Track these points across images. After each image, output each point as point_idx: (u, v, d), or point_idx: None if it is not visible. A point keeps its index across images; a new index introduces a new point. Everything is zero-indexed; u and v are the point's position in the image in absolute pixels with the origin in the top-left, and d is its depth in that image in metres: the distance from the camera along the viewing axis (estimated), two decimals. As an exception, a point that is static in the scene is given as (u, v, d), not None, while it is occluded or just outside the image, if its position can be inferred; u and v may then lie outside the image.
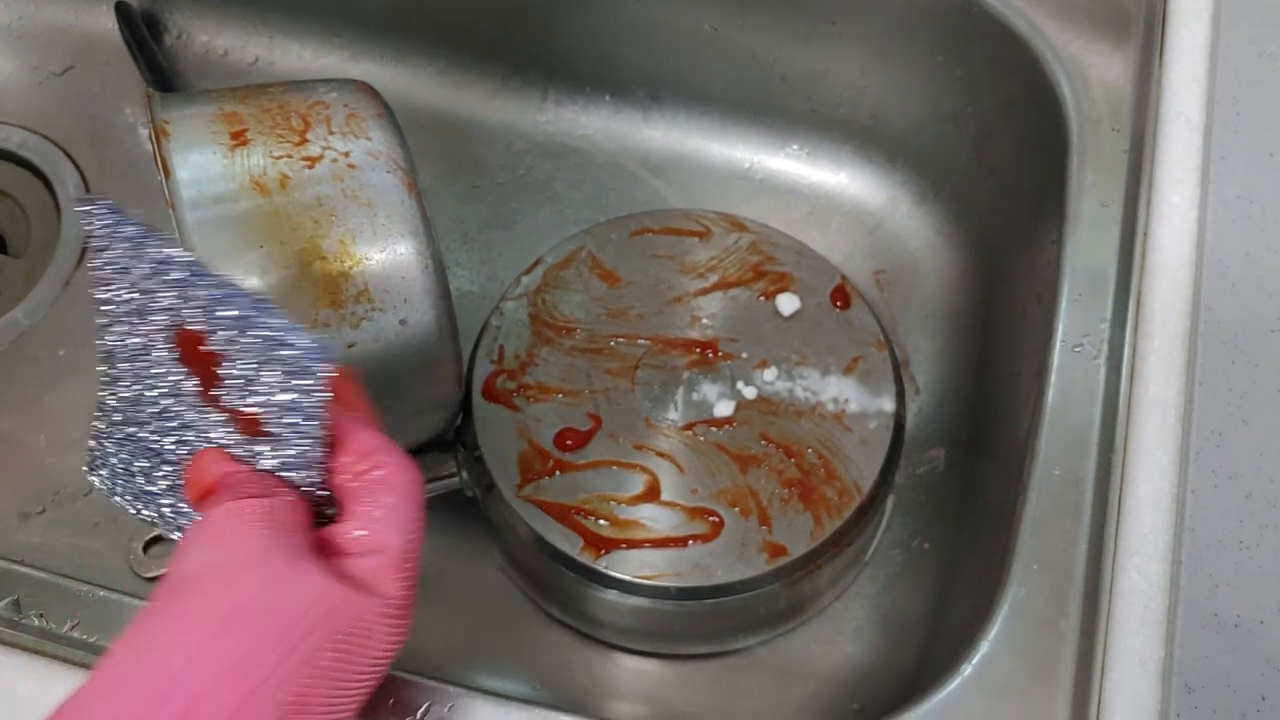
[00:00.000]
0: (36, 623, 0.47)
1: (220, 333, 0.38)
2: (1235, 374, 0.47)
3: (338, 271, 0.51)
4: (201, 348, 0.38)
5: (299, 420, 0.37)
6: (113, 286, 0.41)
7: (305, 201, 0.52)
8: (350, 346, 0.51)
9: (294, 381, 0.37)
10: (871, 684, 0.60)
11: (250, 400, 0.38)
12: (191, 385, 0.39)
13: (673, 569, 0.56)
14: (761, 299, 0.63)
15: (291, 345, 0.36)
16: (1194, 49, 0.55)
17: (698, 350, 0.61)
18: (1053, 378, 0.51)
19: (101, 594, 0.48)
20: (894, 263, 0.72)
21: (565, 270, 0.64)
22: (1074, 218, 0.55)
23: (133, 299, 0.40)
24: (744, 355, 0.61)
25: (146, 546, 0.63)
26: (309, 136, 0.53)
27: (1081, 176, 0.56)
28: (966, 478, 0.64)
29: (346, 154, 0.53)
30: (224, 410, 0.38)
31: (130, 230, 0.41)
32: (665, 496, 0.57)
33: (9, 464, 0.67)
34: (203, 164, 0.52)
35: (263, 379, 0.37)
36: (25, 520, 0.65)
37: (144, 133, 0.77)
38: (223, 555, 0.34)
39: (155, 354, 0.40)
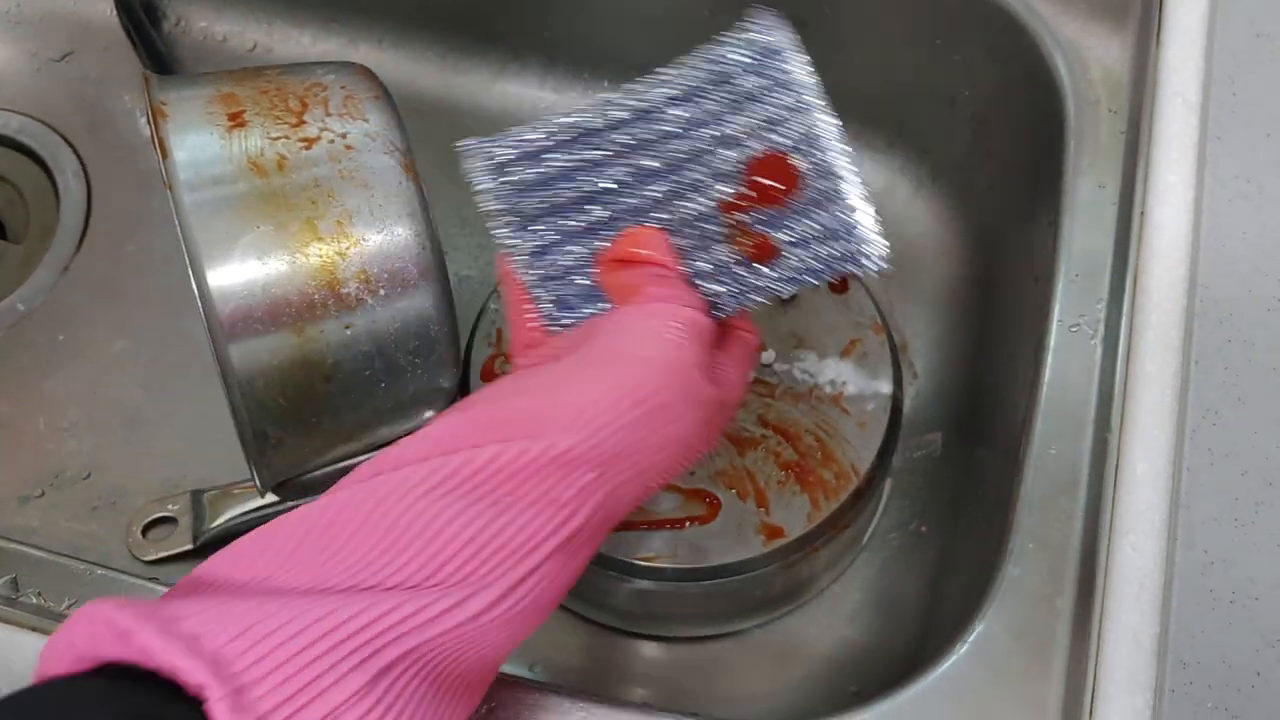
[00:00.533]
0: (34, 600, 0.47)
1: (809, 166, 0.41)
2: (1231, 352, 0.47)
3: (335, 252, 0.51)
4: (788, 169, 0.41)
5: (807, 274, 0.41)
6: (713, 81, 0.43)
7: (302, 183, 0.52)
8: (347, 328, 0.52)
9: (838, 245, 0.41)
10: (869, 666, 0.60)
11: (782, 234, 0.41)
12: (726, 192, 0.42)
13: (670, 550, 0.56)
14: (759, 282, 0.63)
15: (857, 222, 0.41)
16: (1191, 30, 0.55)
17: (695, 333, 0.61)
18: (1049, 358, 0.51)
19: (99, 572, 0.48)
20: (892, 247, 0.71)
21: (563, 254, 0.64)
22: (1071, 199, 0.55)
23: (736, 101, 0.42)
24: (741, 338, 0.61)
25: (145, 530, 0.63)
26: (306, 118, 0.53)
27: (1079, 158, 0.56)
28: (964, 461, 0.64)
29: (344, 135, 0.53)
30: (738, 226, 0.42)
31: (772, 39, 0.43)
32: (662, 478, 0.57)
33: (8, 448, 0.67)
34: (200, 145, 0.52)
35: (812, 222, 0.41)
36: (24, 504, 0.65)
37: (143, 119, 0.77)
38: (660, 353, 0.40)
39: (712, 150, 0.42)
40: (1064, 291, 0.53)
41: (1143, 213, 0.52)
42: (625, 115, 0.44)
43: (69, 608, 0.46)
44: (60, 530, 0.65)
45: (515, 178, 0.43)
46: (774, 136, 0.42)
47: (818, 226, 0.41)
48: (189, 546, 0.62)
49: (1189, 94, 0.54)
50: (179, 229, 0.50)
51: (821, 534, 0.57)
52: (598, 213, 0.43)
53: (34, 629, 0.45)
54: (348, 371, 0.52)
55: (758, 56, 0.43)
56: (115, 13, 0.74)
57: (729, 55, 0.43)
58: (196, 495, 0.64)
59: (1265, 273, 0.49)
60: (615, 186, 0.42)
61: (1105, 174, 0.55)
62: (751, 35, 0.43)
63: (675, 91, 0.43)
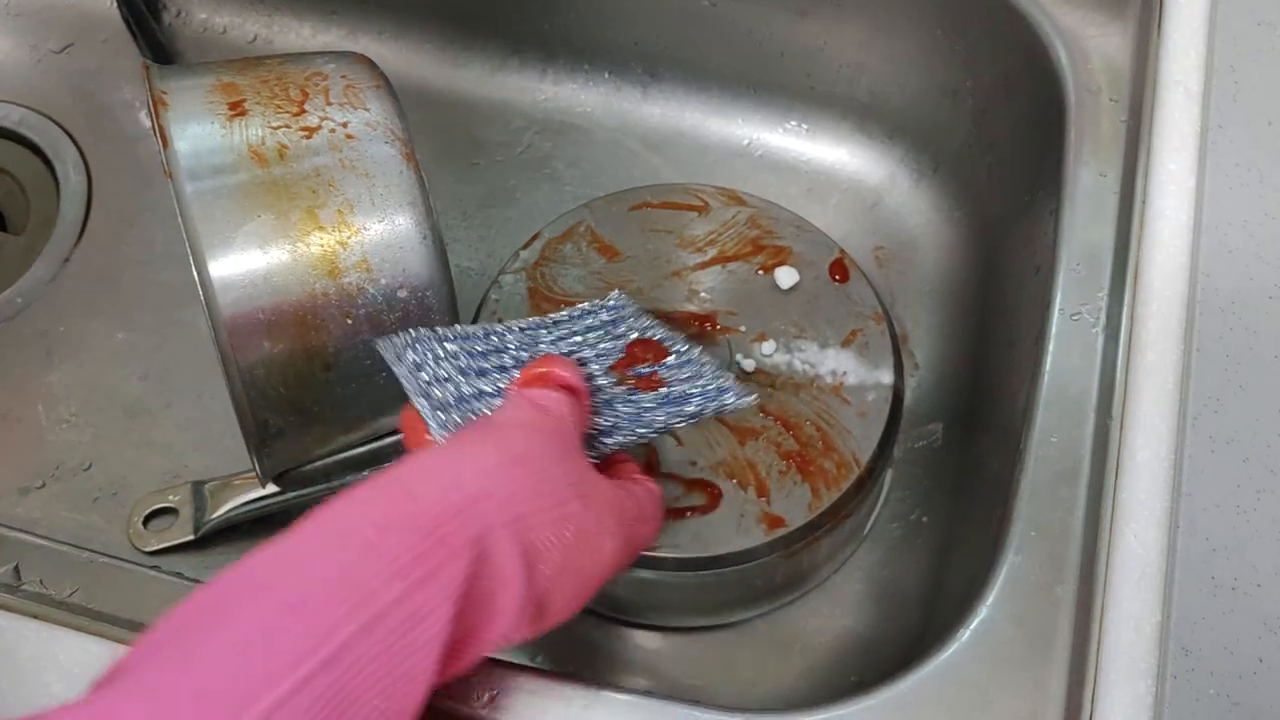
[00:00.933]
0: (36, 589, 0.47)
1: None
2: (1233, 340, 0.47)
3: (336, 242, 0.51)
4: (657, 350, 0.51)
5: (678, 414, 0.49)
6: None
7: (303, 172, 0.52)
8: (348, 317, 0.52)
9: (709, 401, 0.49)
10: (870, 656, 0.60)
11: (665, 373, 0.50)
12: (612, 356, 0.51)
13: (671, 540, 0.56)
14: (760, 272, 0.63)
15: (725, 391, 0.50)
16: (1192, 18, 0.55)
17: (696, 323, 0.61)
18: (1051, 346, 0.51)
19: (101, 560, 0.48)
20: (893, 239, 0.72)
21: (564, 244, 0.64)
22: (1072, 188, 0.55)
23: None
24: (742, 328, 0.61)
25: (146, 521, 0.63)
26: (307, 107, 0.53)
27: (1079, 147, 0.56)
28: (965, 452, 0.64)
29: (345, 124, 0.53)
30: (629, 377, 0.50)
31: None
32: (664, 469, 0.57)
33: (8, 440, 0.67)
34: (201, 134, 0.52)
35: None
36: (25, 495, 0.65)
37: (143, 110, 0.77)
38: (538, 419, 0.42)
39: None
40: (1065, 281, 0.53)
41: (1144, 201, 0.52)
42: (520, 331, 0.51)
43: (71, 595, 0.46)
44: (61, 521, 0.65)
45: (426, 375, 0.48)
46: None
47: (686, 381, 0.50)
48: (190, 537, 0.62)
49: (1190, 83, 0.54)
50: (180, 218, 0.49)
51: (823, 524, 0.57)
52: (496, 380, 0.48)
53: (35, 616, 0.45)
54: (348, 361, 0.52)
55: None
56: (115, 4, 0.74)
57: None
58: (197, 486, 0.64)
59: (1267, 261, 0.49)
60: (514, 364, 0.48)
61: (1106, 163, 0.55)
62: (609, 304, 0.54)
63: (560, 328, 0.52)
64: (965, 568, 0.56)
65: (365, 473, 0.61)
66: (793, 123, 0.74)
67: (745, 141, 0.75)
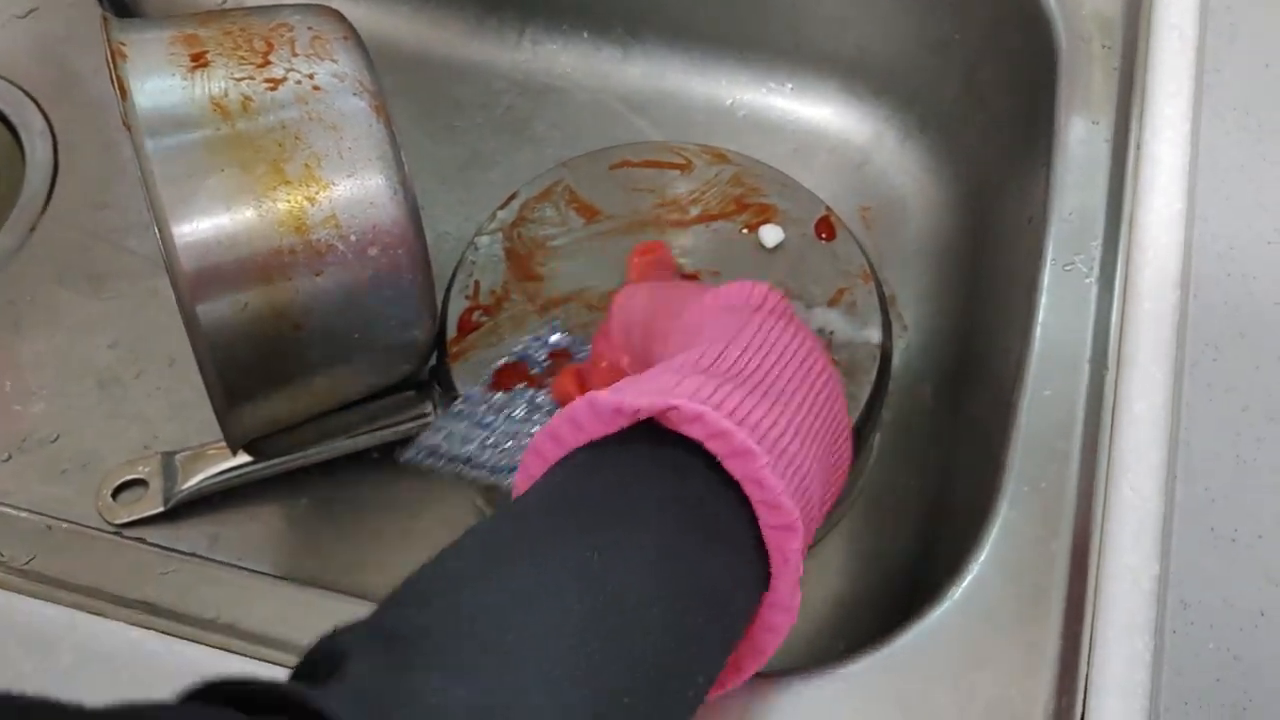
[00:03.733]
0: (-7, 557, 0.45)
1: None
2: (1230, 287, 0.46)
3: (303, 197, 0.49)
4: None
5: None
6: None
7: (268, 125, 0.50)
8: (317, 275, 0.50)
9: None
10: (859, 620, 0.58)
11: None
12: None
13: (654, 504, 0.54)
14: (744, 231, 0.61)
15: None
16: (1186, -41, 0.53)
17: (679, 284, 0.60)
18: (1043, 298, 0.50)
19: (63, 527, 0.46)
20: (881, 199, 0.71)
21: (542, 204, 0.62)
22: (1063, 137, 0.53)
23: None
24: (727, 288, 0.59)
25: (116, 493, 0.62)
26: (272, 58, 0.51)
27: (1071, 94, 0.54)
28: (955, 413, 0.63)
29: (311, 76, 0.51)
30: None
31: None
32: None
33: (-26, 412, 0.65)
34: (161, 87, 0.50)
35: None
36: (-9, 468, 0.64)
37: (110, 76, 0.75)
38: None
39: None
40: (1057, 231, 0.51)
41: (1138, 148, 0.50)
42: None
43: (29, 563, 0.45)
44: (29, 494, 0.63)
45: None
46: None
47: None
48: (160, 509, 0.60)
49: (1185, 26, 0.52)
50: (140, 174, 0.48)
51: (810, 486, 0.55)
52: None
53: (-8, 585, 0.43)
54: (318, 320, 0.51)
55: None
56: (79, -35, 0.72)
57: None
58: (168, 457, 0.62)
59: (1265, 206, 0.47)
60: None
61: (1099, 111, 0.54)
62: None
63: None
64: (957, 529, 0.55)
65: (338, 441, 0.59)
66: (777, 81, 0.73)
67: (729, 101, 0.73)
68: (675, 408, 0.36)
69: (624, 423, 0.37)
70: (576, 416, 0.37)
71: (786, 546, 0.36)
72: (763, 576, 0.37)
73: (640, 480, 0.37)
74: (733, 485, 0.36)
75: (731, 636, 0.37)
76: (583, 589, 0.33)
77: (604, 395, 0.37)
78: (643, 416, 0.36)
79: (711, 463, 0.36)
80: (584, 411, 0.37)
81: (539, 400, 0.56)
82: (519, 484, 0.39)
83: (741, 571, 0.36)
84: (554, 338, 0.57)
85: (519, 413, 0.56)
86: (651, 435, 0.37)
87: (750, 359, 0.40)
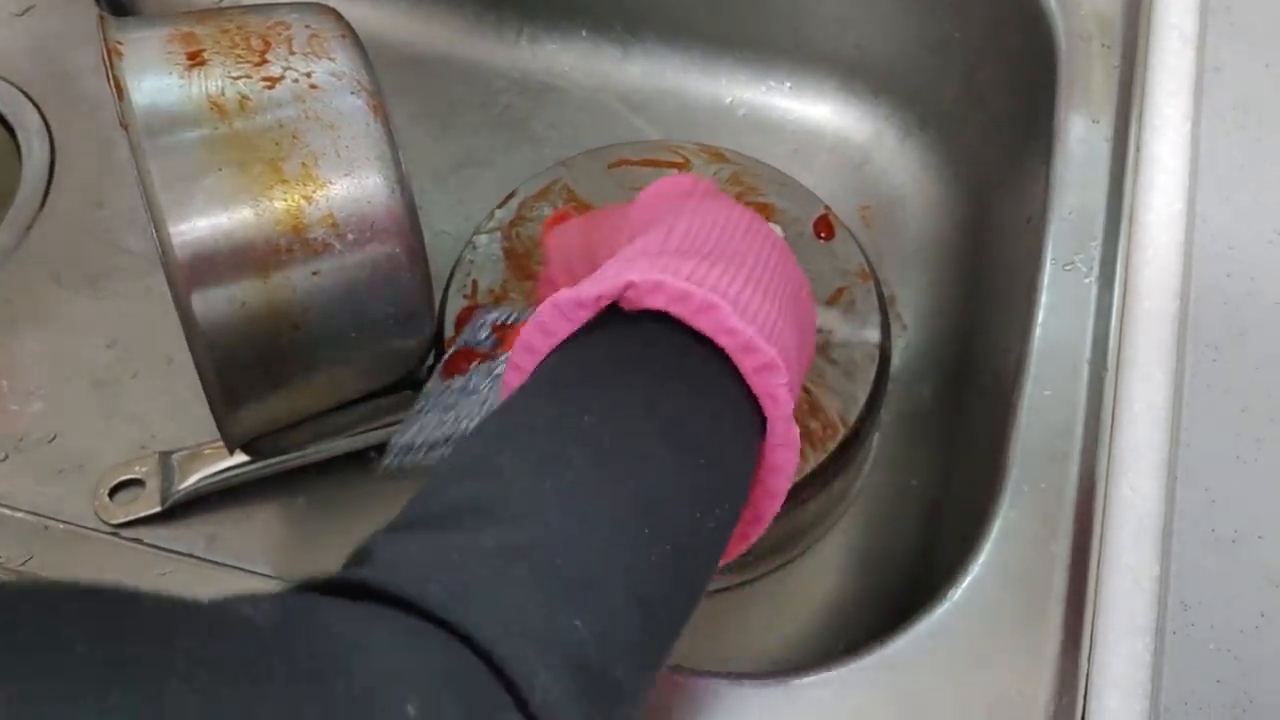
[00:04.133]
0: (-10, 557, 0.45)
1: None
2: (1230, 287, 0.46)
3: (301, 196, 0.49)
4: None
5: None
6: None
7: (266, 124, 0.49)
8: (315, 274, 0.50)
9: None
10: (859, 621, 0.58)
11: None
12: None
13: (653, 504, 0.54)
14: (743, 230, 0.61)
15: None
16: (1187, -42, 0.53)
17: (678, 283, 0.60)
18: (1043, 298, 0.50)
19: (60, 528, 0.46)
20: (880, 198, 0.70)
21: (541, 203, 0.62)
22: (1063, 137, 0.53)
23: None
24: (725, 288, 0.59)
25: (112, 493, 0.61)
26: (269, 57, 0.51)
27: (1070, 93, 0.54)
28: (954, 414, 0.62)
29: (309, 75, 0.51)
30: None
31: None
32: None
33: (-30, 412, 0.65)
34: (158, 86, 0.49)
35: None
36: (-12, 468, 0.63)
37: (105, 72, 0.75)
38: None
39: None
40: (1057, 230, 0.51)
41: (1138, 147, 0.50)
42: None
43: (25, 563, 0.45)
44: (26, 494, 0.62)
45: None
46: None
47: None
48: (157, 509, 0.60)
49: (1185, 25, 0.52)
50: (137, 173, 0.47)
51: (809, 485, 0.55)
52: None
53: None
54: (316, 319, 0.50)
55: None
56: (76, -37, 0.72)
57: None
58: (165, 457, 0.62)
59: (1265, 206, 0.47)
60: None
61: (1099, 110, 0.53)
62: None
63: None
64: (956, 529, 0.55)
65: (336, 441, 0.59)
66: (777, 80, 0.72)
67: (728, 100, 0.73)
68: (633, 284, 0.37)
69: (589, 314, 0.38)
70: (544, 321, 0.38)
71: (771, 384, 0.37)
72: (757, 423, 0.38)
73: (618, 355, 0.37)
74: (706, 341, 0.37)
75: (738, 475, 0.38)
76: (587, 449, 0.34)
77: (564, 293, 0.38)
78: (605, 302, 0.38)
79: (681, 327, 0.37)
80: (549, 314, 0.38)
81: (497, 371, 0.56)
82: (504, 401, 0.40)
83: (734, 417, 0.37)
84: (491, 315, 0.58)
85: (482, 385, 0.56)
86: (619, 319, 0.38)
87: (696, 234, 0.41)
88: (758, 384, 0.37)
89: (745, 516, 0.39)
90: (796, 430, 0.38)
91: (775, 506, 0.39)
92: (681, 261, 0.38)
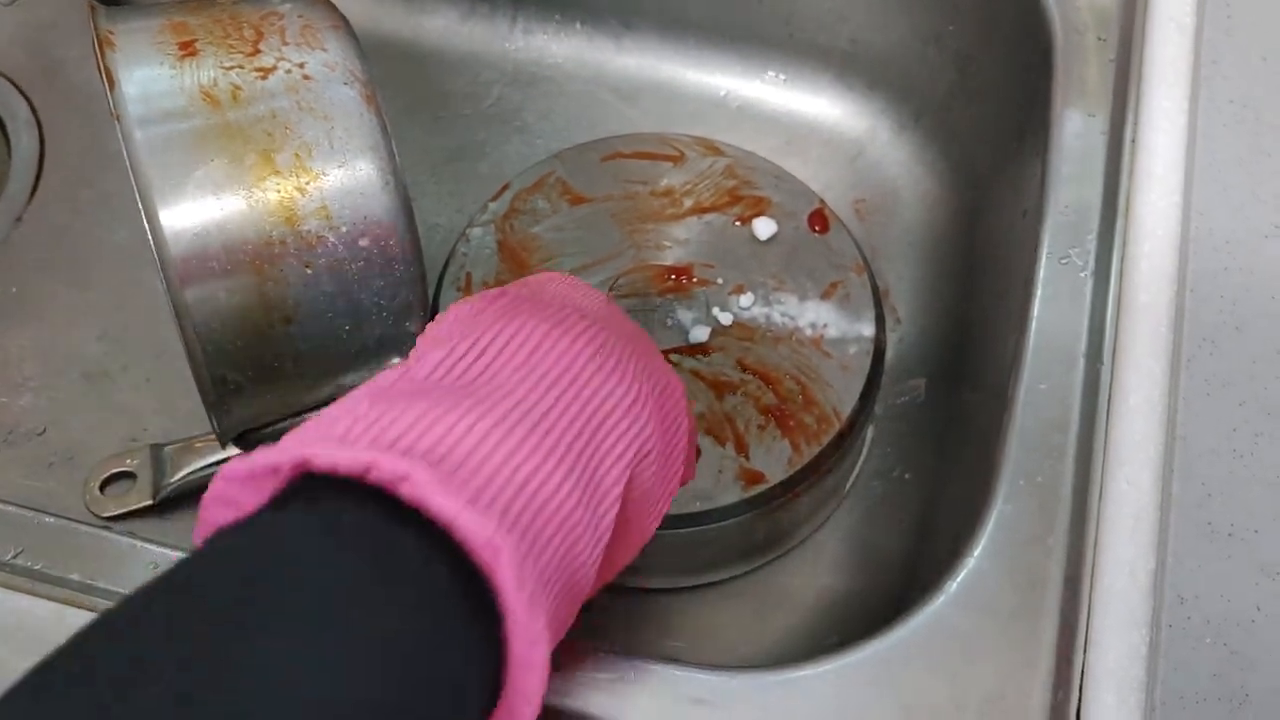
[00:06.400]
0: (-20, 551, 0.45)
1: None
2: (1228, 280, 0.46)
3: (294, 187, 0.49)
4: None
5: None
6: None
7: (258, 114, 0.49)
8: (308, 267, 0.49)
9: None
10: (851, 616, 0.58)
11: None
12: None
13: (647, 498, 0.54)
14: (737, 223, 0.61)
15: None
16: (1183, -49, 0.53)
17: (672, 276, 0.59)
18: (1038, 291, 0.49)
19: (49, 521, 0.46)
20: (875, 192, 0.70)
21: (534, 195, 0.62)
22: (1059, 130, 0.53)
23: None
24: (719, 281, 0.59)
25: (103, 486, 0.61)
26: (262, 47, 0.51)
27: (1066, 87, 0.54)
28: (949, 407, 0.62)
29: (301, 65, 0.50)
30: None
31: None
32: (639, 424, 0.55)
33: (-41, 404, 0.65)
34: (149, 76, 0.49)
35: None
36: (-23, 461, 0.63)
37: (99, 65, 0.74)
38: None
39: None
40: (1052, 224, 0.51)
41: (1134, 140, 0.50)
42: None
43: (15, 557, 0.44)
44: (16, 487, 0.62)
45: None
46: None
47: None
48: (149, 502, 0.60)
49: (1182, 17, 0.52)
50: (128, 164, 0.47)
51: (803, 479, 0.55)
52: None
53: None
54: (309, 313, 0.50)
55: None
56: (66, -48, 0.71)
57: None
58: (156, 450, 0.61)
59: (1262, 199, 0.47)
60: None
61: (1095, 103, 0.53)
62: None
63: None
64: (951, 524, 0.55)
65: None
66: (771, 73, 0.72)
67: (723, 93, 0.73)
68: (307, 461, 0.30)
69: (272, 485, 0.30)
70: (220, 494, 0.31)
71: (496, 576, 0.29)
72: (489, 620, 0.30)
73: (300, 560, 0.28)
74: (415, 525, 0.29)
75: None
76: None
77: (234, 462, 0.31)
78: (283, 475, 0.30)
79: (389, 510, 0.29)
80: (222, 487, 0.31)
81: None
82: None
83: (443, 610, 0.29)
84: None
85: None
86: (322, 493, 0.30)
87: (458, 360, 0.35)
88: (485, 563, 0.29)
89: None
90: (541, 648, 0.30)
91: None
92: (400, 411, 0.31)
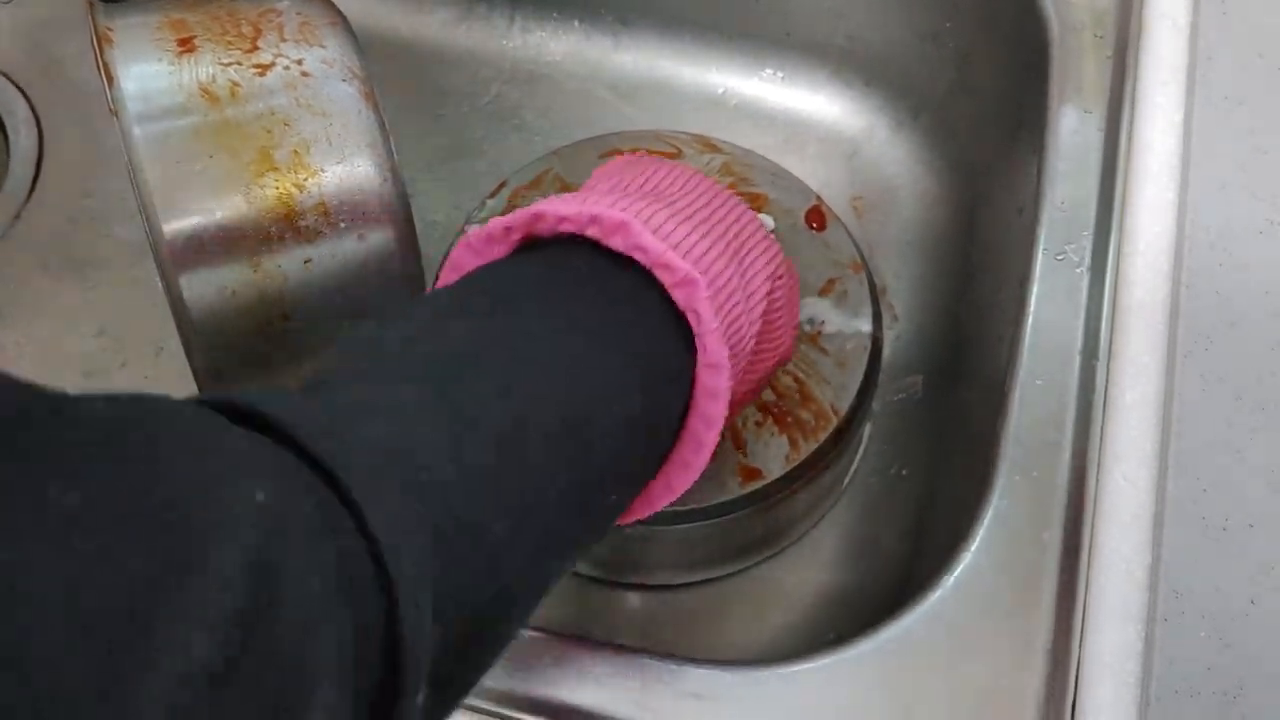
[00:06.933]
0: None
1: None
2: (1223, 277, 0.46)
3: (292, 184, 0.49)
4: None
5: None
6: None
7: (257, 111, 0.49)
8: (306, 263, 0.49)
9: None
10: (850, 611, 0.58)
11: None
12: None
13: (645, 494, 0.54)
14: (735, 220, 0.61)
15: None
16: (1179, -52, 0.53)
17: (670, 273, 0.59)
18: (1034, 288, 0.50)
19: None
20: (872, 189, 0.70)
21: (532, 192, 0.62)
22: (1055, 127, 0.53)
23: None
24: (717, 277, 0.59)
25: (102, 483, 0.61)
26: (260, 44, 0.51)
27: (1063, 84, 0.54)
28: (946, 404, 0.62)
29: (300, 61, 0.51)
30: None
31: None
32: (637, 421, 0.56)
33: (-42, 401, 0.65)
34: (148, 73, 0.49)
35: None
36: (-25, 458, 0.63)
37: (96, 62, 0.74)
38: None
39: None
40: (1049, 221, 0.51)
41: (1130, 137, 0.50)
42: None
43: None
44: (13, 484, 0.62)
45: None
46: None
47: None
48: (147, 499, 0.60)
49: (1177, 15, 0.52)
50: (127, 160, 0.47)
51: (800, 475, 0.55)
52: None
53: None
54: (307, 309, 0.50)
55: None
56: (64, -51, 0.72)
57: None
58: (155, 447, 0.61)
59: (1258, 196, 0.47)
60: None
61: (1091, 100, 0.53)
62: None
63: None
64: (947, 520, 0.55)
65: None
66: (769, 71, 0.72)
67: (720, 90, 0.73)
68: (541, 214, 0.37)
69: (503, 249, 0.39)
70: (471, 242, 0.39)
71: (693, 299, 0.36)
72: (685, 339, 0.37)
73: (530, 269, 0.38)
74: (629, 263, 0.37)
75: (657, 375, 0.37)
76: (480, 321, 0.34)
77: (474, 229, 0.39)
78: (515, 234, 0.38)
79: (602, 250, 0.37)
80: (461, 247, 0.39)
81: None
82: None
83: (652, 324, 0.37)
84: None
85: None
86: (542, 247, 0.38)
87: (631, 181, 0.42)
88: (679, 298, 0.36)
89: (684, 442, 0.38)
90: (725, 352, 0.37)
91: (712, 436, 0.37)
92: (603, 197, 0.39)
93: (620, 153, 0.63)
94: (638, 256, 0.36)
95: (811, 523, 0.61)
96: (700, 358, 0.37)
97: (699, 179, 0.43)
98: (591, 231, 0.37)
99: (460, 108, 0.73)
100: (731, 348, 0.38)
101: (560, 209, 0.37)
